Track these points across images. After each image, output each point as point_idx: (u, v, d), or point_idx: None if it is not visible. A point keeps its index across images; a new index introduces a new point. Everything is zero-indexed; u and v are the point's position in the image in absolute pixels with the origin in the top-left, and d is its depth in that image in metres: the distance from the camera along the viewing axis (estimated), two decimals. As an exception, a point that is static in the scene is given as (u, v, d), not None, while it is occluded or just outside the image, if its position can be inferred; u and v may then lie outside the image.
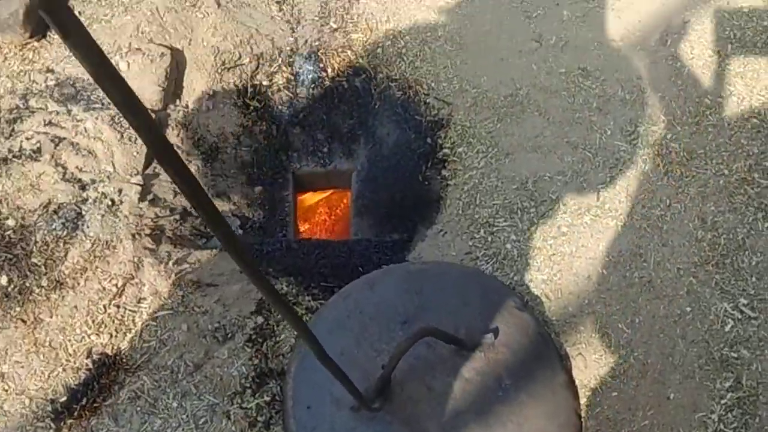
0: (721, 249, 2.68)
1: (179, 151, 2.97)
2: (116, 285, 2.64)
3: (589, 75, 3.06)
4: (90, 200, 2.71)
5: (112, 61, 2.88)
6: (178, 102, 3.06)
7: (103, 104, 2.84)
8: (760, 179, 2.77)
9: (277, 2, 3.39)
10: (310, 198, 3.67)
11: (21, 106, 2.81)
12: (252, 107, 3.19)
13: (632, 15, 3.15)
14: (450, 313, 2.38)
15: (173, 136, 2.98)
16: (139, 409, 2.43)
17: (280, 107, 3.27)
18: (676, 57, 3.04)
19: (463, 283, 2.50)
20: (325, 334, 2.41)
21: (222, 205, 3.07)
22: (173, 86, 3.05)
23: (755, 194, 2.75)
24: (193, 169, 2.99)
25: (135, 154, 2.82)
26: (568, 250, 2.76)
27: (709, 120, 2.91)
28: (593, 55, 3.10)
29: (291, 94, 3.27)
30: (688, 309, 2.57)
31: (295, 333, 2.64)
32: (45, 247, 2.66)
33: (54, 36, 3.03)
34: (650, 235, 2.75)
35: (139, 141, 2.84)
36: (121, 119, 2.83)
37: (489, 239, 2.83)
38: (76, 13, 3.07)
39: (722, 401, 2.39)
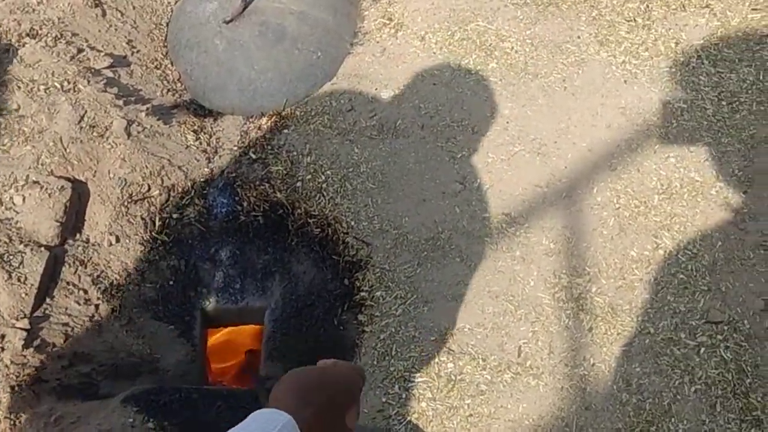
0: (646, 414, 2.53)
1: (76, 290, 2.76)
2: (-12, 445, 2.39)
3: (514, 221, 2.96)
4: (-33, 348, 2.48)
5: (6, 195, 2.70)
6: (78, 236, 2.87)
7: (-9, 242, 2.63)
8: (686, 339, 2.66)
9: (193, 131, 3.25)
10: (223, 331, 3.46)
11: None
12: (160, 241, 3.00)
13: (558, 161, 3.08)
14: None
15: (70, 273, 2.77)
16: None
17: (190, 241, 3.09)
18: (603, 206, 2.96)
19: (370, 454, 2.31)
20: None
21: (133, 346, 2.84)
22: (73, 220, 2.85)
23: (681, 355, 2.63)
24: (91, 308, 2.78)
25: (23, 295, 2.60)
26: (486, 411, 2.59)
27: (635, 274, 2.80)
28: (518, 200, 3.00)
29: (203, 228, 3.10)
30: (610, 485, 2.41)
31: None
32: None
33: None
34: (573, 396, 2.60)
35: (29, 281, 2.64)
36: (11, 258, 2.62)
37: (404, 395, 2.65)
38: (-28, 141, 2.89)
39: None
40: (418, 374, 2.69)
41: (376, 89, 3.38)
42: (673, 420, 2.52)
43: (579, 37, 3.42)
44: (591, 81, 3.29)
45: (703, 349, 2.63)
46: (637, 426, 2.51)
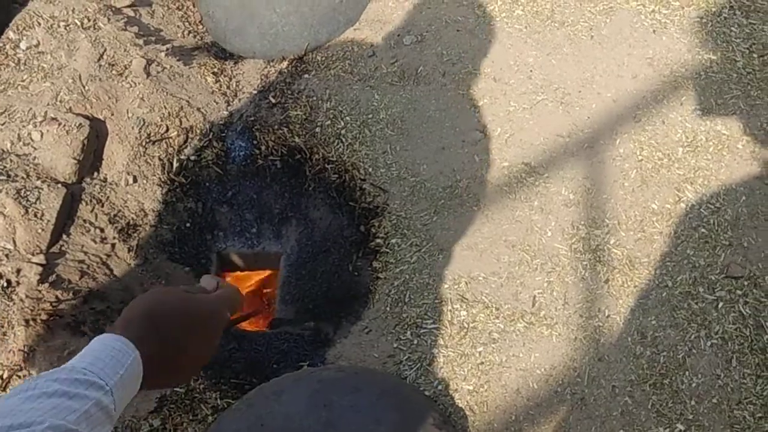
0: (660, 368, 2.50)
1: (93, 228, 2.77)
2: (1, 376, 2.42)
3: (533, 171, 2.91)
4: (-17, 280, 2.50)
5: (25, 131, 2.70)
6: (95, 174, 2.87)
7: (9, 176, 2.64)
8: (704, 293, 2.61)
9: (213, 74, 3.23)
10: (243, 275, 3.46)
11: None
12: (177, 183, 3.00)
13: (582, 111, 3.01)
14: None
15: (87, 211, 2.78)
16: None
17: (207, 184, 3.09)
18: (625, 157, 2.90)
19: (379, 396, 2.30)
20: (217, 451, 2.21)
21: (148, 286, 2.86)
22: (91, 158, 2.85)
23: (699, 309, 2.59)
24: (107, 247, 2.79)
25: (40, 230, 2.62)
26: (498, 360, 2.57)
27: (655, 227, 2.75)
28: (538, 150, 2.95)
29: (220, 171, 3.09)
30: (621, 433, 2.39)
31: (195, 438, 2.43)
32: (-73, 330, 2.44)
33: (-30, 99, 2.85)
34: (586, 347, 2.57)
35: (46, 217, 2.65)
36: (28, 193, 2.63)
37: (415, 342, 2.64)
38: (-10, 76, 2.89)
39: None
40: (430, 321, 2.67)
41: (399, 35, 3.33)
42: (687, 373, 2.48)
43: (608, -14, 3.33)
44: (618, 30, 3.21)
45: (721, 304, 2.58)
46: (650, 378, 2.48)
